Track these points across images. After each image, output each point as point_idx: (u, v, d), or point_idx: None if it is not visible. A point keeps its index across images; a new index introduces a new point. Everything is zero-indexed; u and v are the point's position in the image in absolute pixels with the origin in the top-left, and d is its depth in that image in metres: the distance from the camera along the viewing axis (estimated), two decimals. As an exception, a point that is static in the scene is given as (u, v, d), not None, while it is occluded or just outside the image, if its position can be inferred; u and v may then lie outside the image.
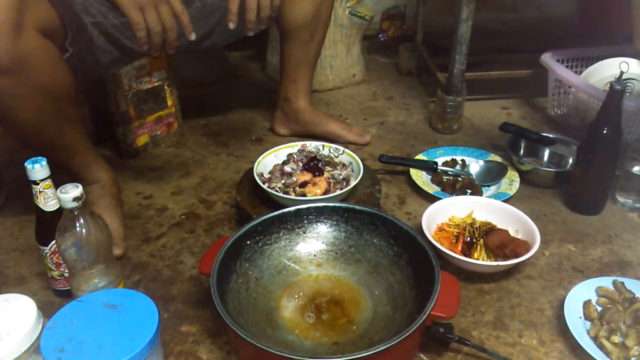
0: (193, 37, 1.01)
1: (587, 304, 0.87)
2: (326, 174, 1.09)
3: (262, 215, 0.92)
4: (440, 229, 1.05)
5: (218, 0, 1.16)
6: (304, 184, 1.06)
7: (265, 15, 1.06)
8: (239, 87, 1.79)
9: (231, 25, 1.04)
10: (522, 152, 1.31)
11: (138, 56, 1.22)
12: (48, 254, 0.89)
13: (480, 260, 0.97)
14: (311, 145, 1.19)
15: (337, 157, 1.17)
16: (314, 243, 0.96)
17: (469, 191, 1.19)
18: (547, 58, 1.47)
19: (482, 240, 1.00)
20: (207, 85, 1.76)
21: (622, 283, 0.91)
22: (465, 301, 0.92)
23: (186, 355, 0.83)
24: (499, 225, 1.04)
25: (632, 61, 1.32)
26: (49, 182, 0.83)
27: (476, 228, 1.03)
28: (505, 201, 1.11)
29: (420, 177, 1.24)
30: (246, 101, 1.66)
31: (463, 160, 1.29)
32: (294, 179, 1.08)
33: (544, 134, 1.30)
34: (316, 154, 1.16)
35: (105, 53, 1.07)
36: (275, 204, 1.04)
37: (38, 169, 0.80)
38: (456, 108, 1.45)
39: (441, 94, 1.46)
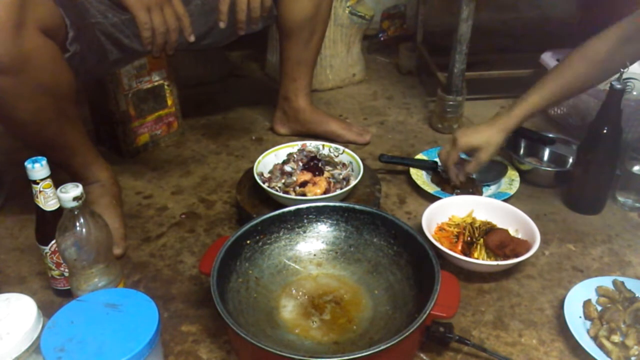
0: (192, 39, 1.01)
1: (587, 304, 0.87)
2: (326, 174, 1.09)
3: (262, 214, 0.92)
4: (440, 229, 1.05)
5: None
6: (304, 184, 1.06)
7: (255, 15, 1.06)
8: (239, 86, 1.79)
9: (222, 25, 1.05)
10: (522, 151, 1.31)
11: (138, 56, 1.22)
12: (48, 254, 0.89)
13: (480, 259, 0.97)
14: (311, 144, 1.19)
15: (337, 156, 1.17)
16: (314, 242, 0.96)
17: (469, 191, 1.19)
18: (547, 58, 1.47)
19: (482, 239, 1.00)
20: (207, 84, 1.76)
21: (622, 282, 0.91)
22: (465, 301, 0.92)
23: (186, 354, 0.83)
24: (499, 225, 1.04)
25: (632, 61, 1.31)
26: (49, 181, 0.82)
27: (476, 228, 1.03)
28: (505, 201, 1.11)
29: (420, 177, 1.24)
30: (246, 101, 1.66)
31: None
32: (294, 178, 1.07)
33: (544, 134, 1.30)
34: (316, 154, 1.16)
35: (107, 53, 1.07)
36: (275, 203, 1.04)
37: (38, 169, 0.80)
38: (456, 108, 1.45)
39: (441, 94, 1.46)
